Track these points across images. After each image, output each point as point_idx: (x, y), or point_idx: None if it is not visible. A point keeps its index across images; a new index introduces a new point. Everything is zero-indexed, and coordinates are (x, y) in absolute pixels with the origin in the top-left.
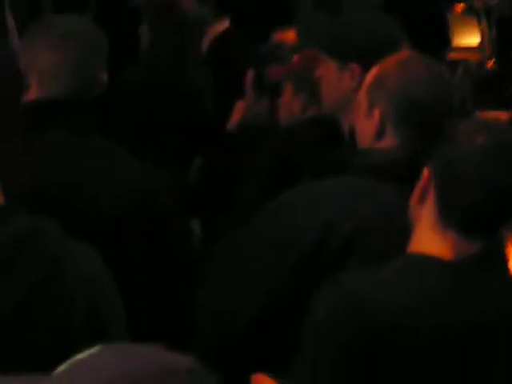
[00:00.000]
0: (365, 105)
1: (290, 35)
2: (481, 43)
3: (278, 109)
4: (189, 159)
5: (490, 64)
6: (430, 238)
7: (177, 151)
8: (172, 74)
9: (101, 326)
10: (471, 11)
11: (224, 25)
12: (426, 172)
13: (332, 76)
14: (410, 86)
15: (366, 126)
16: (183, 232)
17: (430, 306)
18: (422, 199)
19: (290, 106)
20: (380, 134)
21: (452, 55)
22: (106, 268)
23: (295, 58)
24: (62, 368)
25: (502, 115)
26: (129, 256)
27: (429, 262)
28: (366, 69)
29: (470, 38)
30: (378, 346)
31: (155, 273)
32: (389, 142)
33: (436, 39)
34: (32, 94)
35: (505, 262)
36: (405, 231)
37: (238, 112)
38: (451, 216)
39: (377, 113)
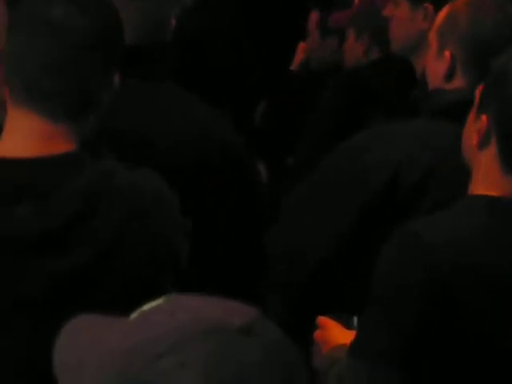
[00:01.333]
0: (435, 46)
1: None
2: None
3: (343, 52)
4: (254, 102)
5: None
6: (491, 183)
7: (242, 95)
8: (230, 18)
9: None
10: None
11: None
12: (484, 118)
13: (404, 15)
14: (480, 28)
15: (437, 67)
16: (257, 180)
17: (493, 246)
18: (481, 145)
19: (354, 51)
20: (450, 75)
21: None
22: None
23: (357, 1)
24: (135, 315)
25: None
26: (206, 202)
27: (492, 203)
28: (438, 9)
29: None
30: (446, 289)
31: (231, 219)
32: (459, 83)
33: None
34: None
35: None
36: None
37: (301, 53)
38: None
39: (447, 54)
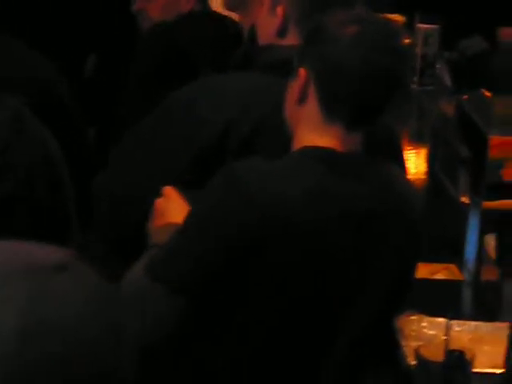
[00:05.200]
0: (268, 2)
1: None
2: None
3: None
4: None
5: None
6: (314, 137)
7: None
8: None
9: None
10: None
11: None
12: (302, 71)
13: None
14: None
15: (269, 23)
16: (81, 125)
17: (315, 202)
18: (301, 99)
19: (174, 7)
20: (283, 31)
21: None
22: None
23: None
24: None
25: (398, 17)
26: None
27: (316, 155)
28: None
29: None
30: (258, 238)
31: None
32: (292, 39)
33: None
34: None
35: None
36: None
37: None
38: (335, 111)
39: (280, 10)
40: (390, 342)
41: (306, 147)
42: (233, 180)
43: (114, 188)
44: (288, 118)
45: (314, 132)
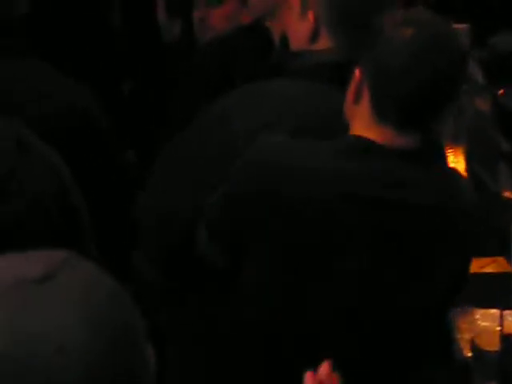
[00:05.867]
0: (297, 7)
1: None
2: None
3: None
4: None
5: None
6: (367, 135)
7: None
8: None
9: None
10: None
11: None
12: (357, 72)
13: None
14: None
15: (300, 28)
16: (120, 155)
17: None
18: (356, 99)
19: (236, 18)
20: (314, 36)
21: None
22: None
23: None
24: None
25: None
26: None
27: (352, 141)
28: None
29: None
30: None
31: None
32: (323, 44)
33: None
34: None
35: (442, 157)
36: (341, 132)
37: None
38: (385, 112)
39: (311, 15)
40: (444, 336)
41: (348, 136)
42: (252, 158)
43: (158, 208)
44: (347, 116)
45: (367, 131)
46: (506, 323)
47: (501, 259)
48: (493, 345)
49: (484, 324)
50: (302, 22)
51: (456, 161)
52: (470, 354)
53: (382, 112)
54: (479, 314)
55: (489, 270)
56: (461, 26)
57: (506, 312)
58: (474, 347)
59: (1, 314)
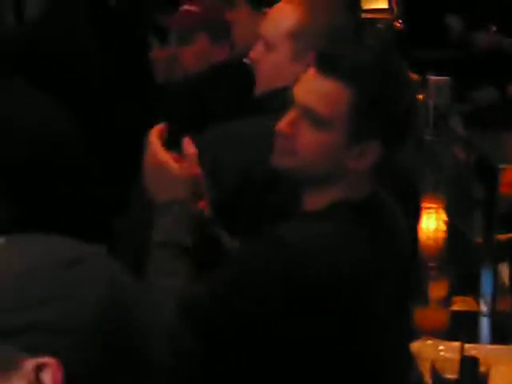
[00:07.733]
0: (289, 48)
1: None
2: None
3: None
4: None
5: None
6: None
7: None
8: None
9: None
10: None
11: None
12: None
13: (245, 19)
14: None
15: (293, 68)
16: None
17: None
18: None
19: (207, 55)
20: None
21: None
22: None
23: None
24: None
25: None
26: None
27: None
28: None
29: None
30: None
31: None
32: None
33: None
34: None
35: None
36: None
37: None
38: None
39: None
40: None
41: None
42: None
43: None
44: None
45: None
46: (468, 355)
47: (469, 299)
48: (453, 372)
49: (447, 355)
50: (296, 61)
51: (437, 217)
52: (429, 381)
53: None
54: (442, 345)
55: (457, 308)
56: (442, 79)
57: (469, 345)
58: (434, 373)
59: None
